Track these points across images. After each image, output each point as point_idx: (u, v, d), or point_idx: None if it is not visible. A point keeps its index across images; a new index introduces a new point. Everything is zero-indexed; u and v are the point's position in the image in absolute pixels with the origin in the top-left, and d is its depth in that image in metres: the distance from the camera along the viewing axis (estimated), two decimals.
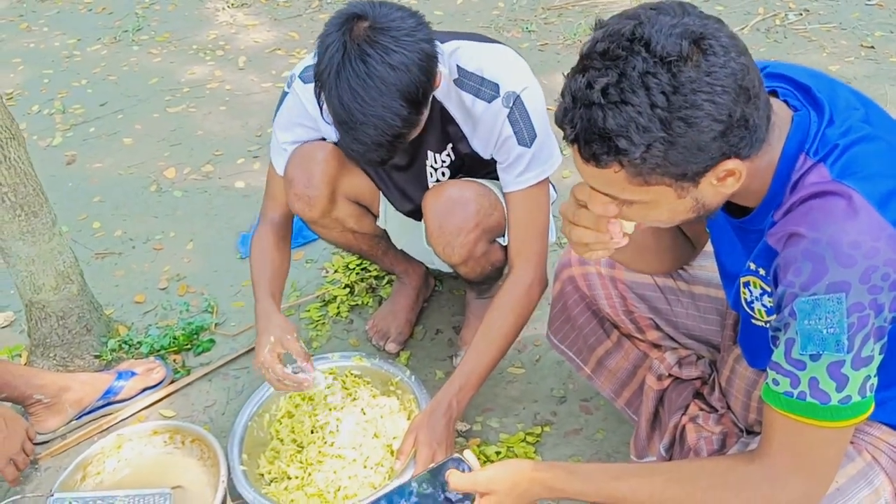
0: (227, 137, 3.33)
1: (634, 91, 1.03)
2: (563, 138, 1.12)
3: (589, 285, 1.75)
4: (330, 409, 1.94)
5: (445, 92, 1.73)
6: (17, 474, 1.90)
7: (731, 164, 1.10)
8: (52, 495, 1.84)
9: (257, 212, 2.66)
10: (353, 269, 2.55)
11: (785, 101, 1.22)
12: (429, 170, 1.89)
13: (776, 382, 1.18)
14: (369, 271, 2.53)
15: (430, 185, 1.91)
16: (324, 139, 1.91)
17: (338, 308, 2.42)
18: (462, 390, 1.80)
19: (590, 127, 1.06)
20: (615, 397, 1.84)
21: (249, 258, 1.99)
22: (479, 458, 1.48)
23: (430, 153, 1.86)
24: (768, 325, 1.25)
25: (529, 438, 1.99)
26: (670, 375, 1.69)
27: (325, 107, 1.58)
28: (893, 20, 3.68)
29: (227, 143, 3.29)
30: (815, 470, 1.19)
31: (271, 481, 1.86)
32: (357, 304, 2.44)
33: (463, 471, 1.35)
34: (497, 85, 1.71)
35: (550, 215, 1.89)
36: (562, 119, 1.10)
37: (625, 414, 1.86)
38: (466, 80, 1.73)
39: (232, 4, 4.44)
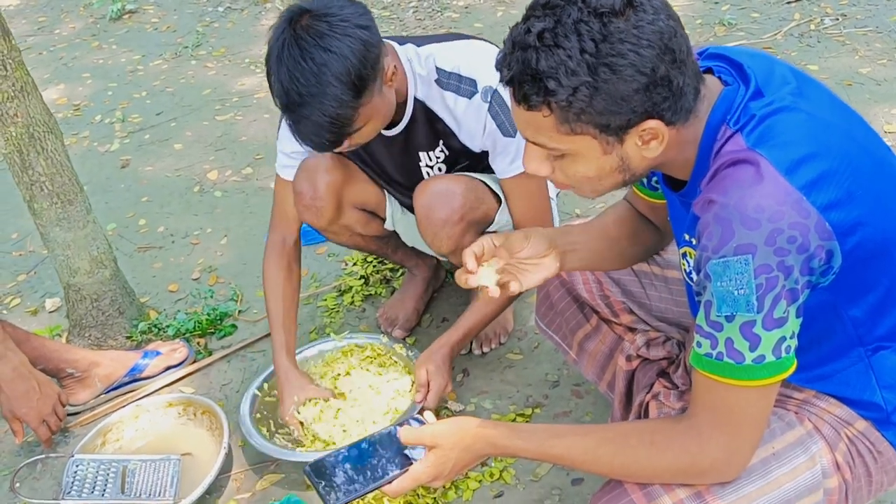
0: (267, 142, 3.51)
1: (567, 36, 1.10)
2: (500, 80, 1.19)
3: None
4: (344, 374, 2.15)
5: (427, 92, 1.83)
6: (49, 434, 2.08)
7: (654, 123, 1.15)
8: (73, 456, 2.01)
9: None
10: (371, 261, 2.67)
11: (719, 78, 1.27)
12: (424, 170, 1.99)
13: (699, 345, 1.22)
14: (385, 264, 2.66)
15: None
16: None
17: (352, 297, 2.55)
18: (460, 337, 2.01)
19: (524, 68, 1.12)
20: (598, 381, 1.90)
21: (263, 283, 2.13)
22: None
23: (421, 154, 1.96)
24: (693, 287, 1.29)
25: (519, 419, 2.07)
26: (639, 356, 1.74)
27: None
28: None
29: (267, 148, 3.47)
30: (739, 429, 1.23)
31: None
32: (371, 294, 2.56)
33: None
34: (474, 81, 1.79)
35: (547, 192, 1.98)
36: (500, 62, 1.17)
37: (608, 397, 1.91)
38: (446, 80, 1.81)
39: None
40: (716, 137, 1.22)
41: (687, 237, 1.33)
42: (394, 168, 2.04)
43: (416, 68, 1.83)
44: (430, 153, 1.97)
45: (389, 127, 1.89)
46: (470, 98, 1.81)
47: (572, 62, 1.09)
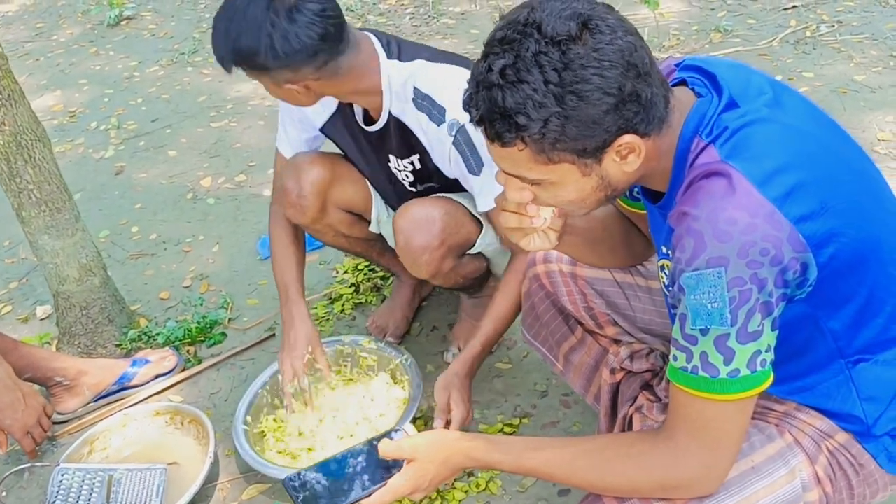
0: (261, 149, 3.51)
1: (529, 70, 1.09)
2: (469, 121, 1.18)
3: (552, 282, 1.80)
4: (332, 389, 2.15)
5: (402, 108, 1.83)
6: (33, 446, 2.07)
7: (629, 138, 1.15)
8: (59, 465, 2.01)
9: None
10: (361, 269, 2.67)
11: (692, 89, 1.27)
12: (394, 170, 2.00)
13: (675, 358, 1.21)
14: (375, 272, 2.65)
15: (403, 183, 2.01)
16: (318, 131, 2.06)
17: (342, 306, 2.54)
18: (479, 353, 1.91)
19: (491, 107, 1.12)
20: (584, 392, 1.89)
21: (272, 254, 2.17)
22: None
23: (392, 157, 1.96)
24: (668, 299, 1.29)
25: (507, 429, 2.06)
26: (623, 369, 1.73)
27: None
28: None
29: (260, 154, 3.47)
30: (716, 443, 1.22)
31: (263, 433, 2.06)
32: (361, 303, 2.56)
33: None
34: (444, 110, 1.77)
35: None
36: (467, 104, 1.17)
37: (595, 409, 1.90)
38: (420, 101, 1.80)
39: None
40: (689, 148, 1.22)
41: (665, 249, 1.32)
42: (367, 161, 2.06)
43: (394, 85, 1.82)
44: (401, 160, 1.96)
45: (368, 123, 1.92)
46: (438, 125, 1.80)
47: (538, 95, 1.09)
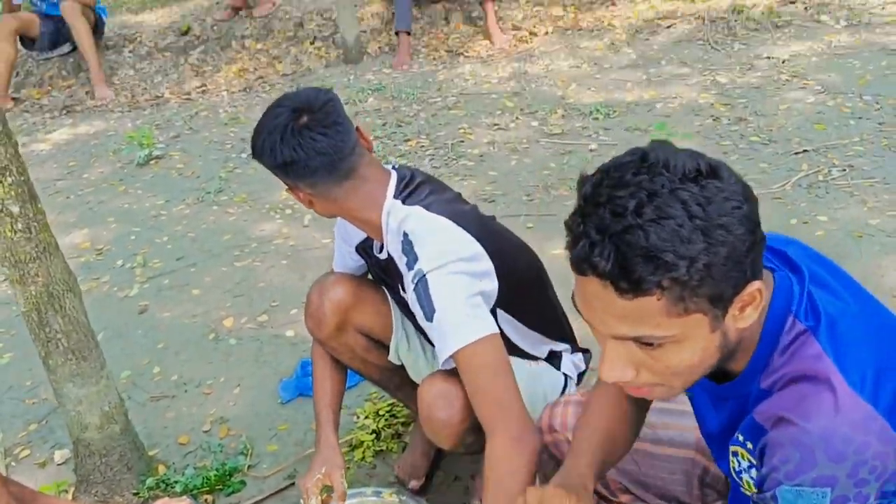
0: (284, 289, 3.56)
1: (670, 205, 1.00)
2: (595, 272, 1.03)
3: (560, 452, 1.76)
4: None
5: (395, 247, 1.88)
6: None
7: (758, 284, 1.07)
8: None
9: (303, 358, 2.87)
10: (383, 415, 2.65)
11: None
12: (406, 300, 1.99)
13: None
14: (397, 417, 2.63)
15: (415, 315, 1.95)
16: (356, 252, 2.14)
17: (363, 453, 2.51)
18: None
19: (629, 250, 1.00)
20: None
21: (313, 377, 2.23)
22: None
23: (400, 287, 2.00)
24: (752, 497, 1.24)
25: None
26: None
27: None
28: None
29: (283, 294, 3.51)
30: None
31: None
32: (382, 450, 2.53)
33: None
34: (417, 258, 1.80)
35: (502, 366, 1.78)
36: (589, 257, 1.02)
37: None
38: (405, 245, 1.84)
39: None
40: (782, 329, 1.16)
41: (741, 438, 1.25)
42: (387, 286, 2.13)
43: (391, 224, 1.88)
44: (404, 293, 1.99)
45: (381, 250, 2.01)
46: (409, 270, 1.83)
47: (685, 230, 0.99)
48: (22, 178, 2.04)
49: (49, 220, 2.20)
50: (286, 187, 1.91)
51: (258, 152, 1.86)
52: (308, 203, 1.91)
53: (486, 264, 1.86)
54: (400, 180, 1.92)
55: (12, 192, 2.01)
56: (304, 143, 1.79)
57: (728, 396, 1.26)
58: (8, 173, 2.00)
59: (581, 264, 1.04)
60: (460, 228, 1.86)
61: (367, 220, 1.92)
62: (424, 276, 1.78)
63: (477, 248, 1.85)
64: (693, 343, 1.08)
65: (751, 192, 1.08)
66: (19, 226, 2.05)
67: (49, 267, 2.12)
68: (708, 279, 1.01)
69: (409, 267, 1.83)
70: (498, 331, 1.79)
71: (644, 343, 1.08)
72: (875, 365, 1.11)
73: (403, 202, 1.89)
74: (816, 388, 1.09)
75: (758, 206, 1.08)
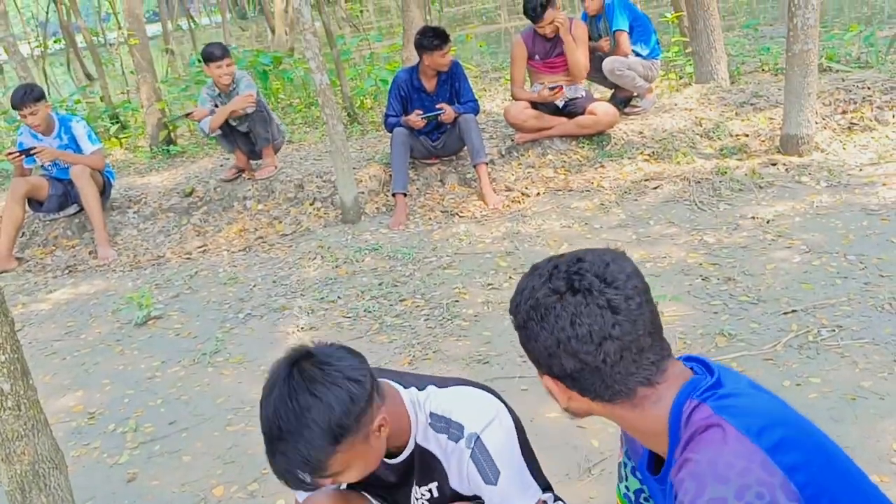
0: None
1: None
2: None
3: None
4: None
5: (424, 435, 1.90)
6: None
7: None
8: None
9: None
10: None
11: (690, 368, 1.47)
12: (413, 499, 2.01)
13: None
14: None
15: None
16: None
17: None
18: None
19: None
20: None
21: None
22: None
23: (415, 486, 1.99)
24: None
25: None
26: None
27: None
28: None
29: None
30: None
31: None
32: None
33: None
34: (462, 426, 1.86)
35: None
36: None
37: None
38: (438, 423, 1.89)
39: (302, 328, 4.86)
40: (682, 410, 1.38)
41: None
42: (389, 493, 2.07)
43: (418, 412, 1.91)
44: (419, 488, 1.99)
45: (391, 456, 1.94)
46: (457, 442, 1.87)
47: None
48: (15, 356, 2.07)
49: (43, 381, 2.22)
50: (324, 475, 1.74)
51: (289, 436, 1.69)
52: (341, 470, 1.76)
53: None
54: (392, 379, 1.97)
55: (4, 370, 2.04)
56: (332, 391, 1.69)
57: (664, 480, 1.42)
58: (1, 351, 2.04)
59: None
60: (485, 392, 1.98)
61: (399, 429, 1.89)
62: (479, 436, 1.83)
63: None
64: None
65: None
66: (9, 403, 2.06)
67: (36, 445, 2.11)
68: None
69: (455, 438, 1.86)
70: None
71: None
72: (767, 423, 1.29)
73: (418, 388, 1.95)
74: (708, 431, 1.29)
75: None
